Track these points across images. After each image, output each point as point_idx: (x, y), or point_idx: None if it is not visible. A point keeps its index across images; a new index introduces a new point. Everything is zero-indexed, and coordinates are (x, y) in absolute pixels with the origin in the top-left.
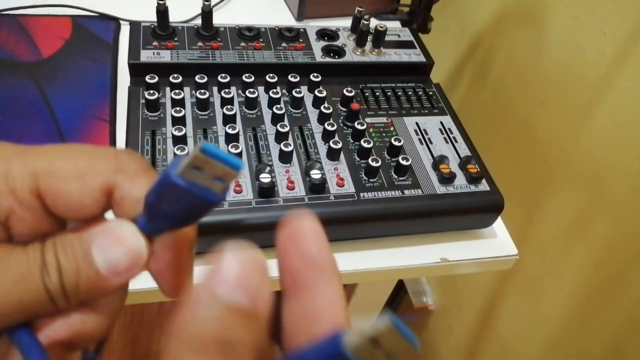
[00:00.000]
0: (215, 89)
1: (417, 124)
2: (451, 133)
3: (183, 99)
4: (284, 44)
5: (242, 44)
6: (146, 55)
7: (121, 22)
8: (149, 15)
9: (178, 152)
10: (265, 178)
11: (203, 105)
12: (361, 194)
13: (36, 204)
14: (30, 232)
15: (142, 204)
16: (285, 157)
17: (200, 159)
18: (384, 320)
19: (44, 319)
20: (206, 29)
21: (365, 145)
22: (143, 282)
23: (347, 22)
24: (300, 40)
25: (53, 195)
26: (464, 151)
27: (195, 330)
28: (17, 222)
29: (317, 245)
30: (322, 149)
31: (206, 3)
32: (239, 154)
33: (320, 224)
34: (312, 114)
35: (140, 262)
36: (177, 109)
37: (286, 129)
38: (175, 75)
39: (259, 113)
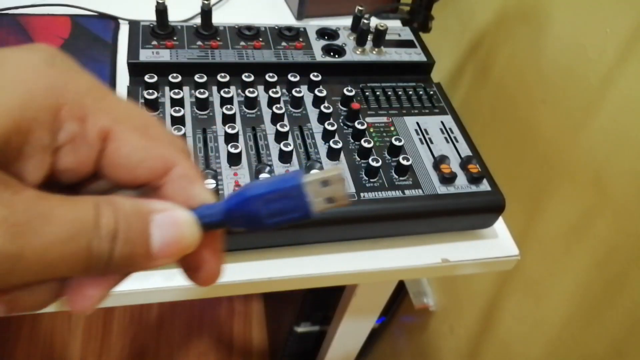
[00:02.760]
0: (214, 88)
1: (417, 123)
2: (452, 133)
3: (182, 98)
4: (283, 43)
5: (242, 43)
6: (145, 55)
7: (120, 21)
8: (149, 15)
9: None
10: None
11: (202, 104)
12: (361, 194)
13: (96, 145)
14: (72, 172)
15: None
16: (285, 157)
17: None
18: (335, 169)
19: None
20: (206, 28)
21: (366, 145)
22: (143, 283)
23: (347, 21)
24: (300, 40)
25: (119, 142)
26: (465, 151)
27: None
28: (67, 155)
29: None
30: (322, 149)
31: (205, 2)
32: (239, 154)
33: None
34: (312, 113)
35: (188, 251)
36: (177, 108)
37: (286, 129)
38: (175, 74)
39: (258, 113)
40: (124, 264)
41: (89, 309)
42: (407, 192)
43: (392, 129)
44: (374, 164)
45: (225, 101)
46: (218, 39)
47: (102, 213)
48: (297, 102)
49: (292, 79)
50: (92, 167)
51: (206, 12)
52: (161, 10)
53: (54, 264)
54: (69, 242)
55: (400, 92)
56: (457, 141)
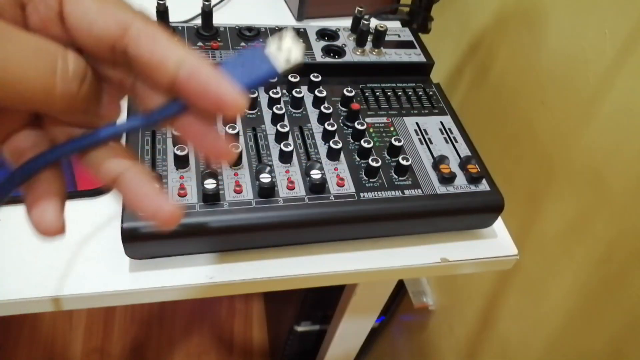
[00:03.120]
0: None
1: (417, 124)
2: (451, 133)
3: None
4: None
5: (242, 44)
6: None
7: None
8: (149, 16)
9: (178, 152)
10: (265, 178)
11: None
12: (361, 194)
13: (54, 5)
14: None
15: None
16: (285, 157)
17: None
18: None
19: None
20: (206, 29)
21: (365, 145)
22: (143, 283)
23: (347, 22)
24: (301, 40)
25: (73, 5)
26: (464, 151)
27: None
28: (32, 14)
29: None
30: (322, 149)
31: (206, 3)
32: (239, 154)
33: None
34: (312, 114)
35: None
36: None
37: (286, 129)
38: None
39: (259, 113)
40: (85, 106)
41: (54, 223)
42: (407, 192)
43: (392, 129)
44: (374, 164)
45: None
46: (219, 39)
47: (71, 54)
48: (297, 103)
49: (292, 79)
50: (58, 31)
51: (207, 13)
52: (162, 11)
53: (18, 80)
54: (33, 58)
55: (399, 93)
56: (456, 141)
